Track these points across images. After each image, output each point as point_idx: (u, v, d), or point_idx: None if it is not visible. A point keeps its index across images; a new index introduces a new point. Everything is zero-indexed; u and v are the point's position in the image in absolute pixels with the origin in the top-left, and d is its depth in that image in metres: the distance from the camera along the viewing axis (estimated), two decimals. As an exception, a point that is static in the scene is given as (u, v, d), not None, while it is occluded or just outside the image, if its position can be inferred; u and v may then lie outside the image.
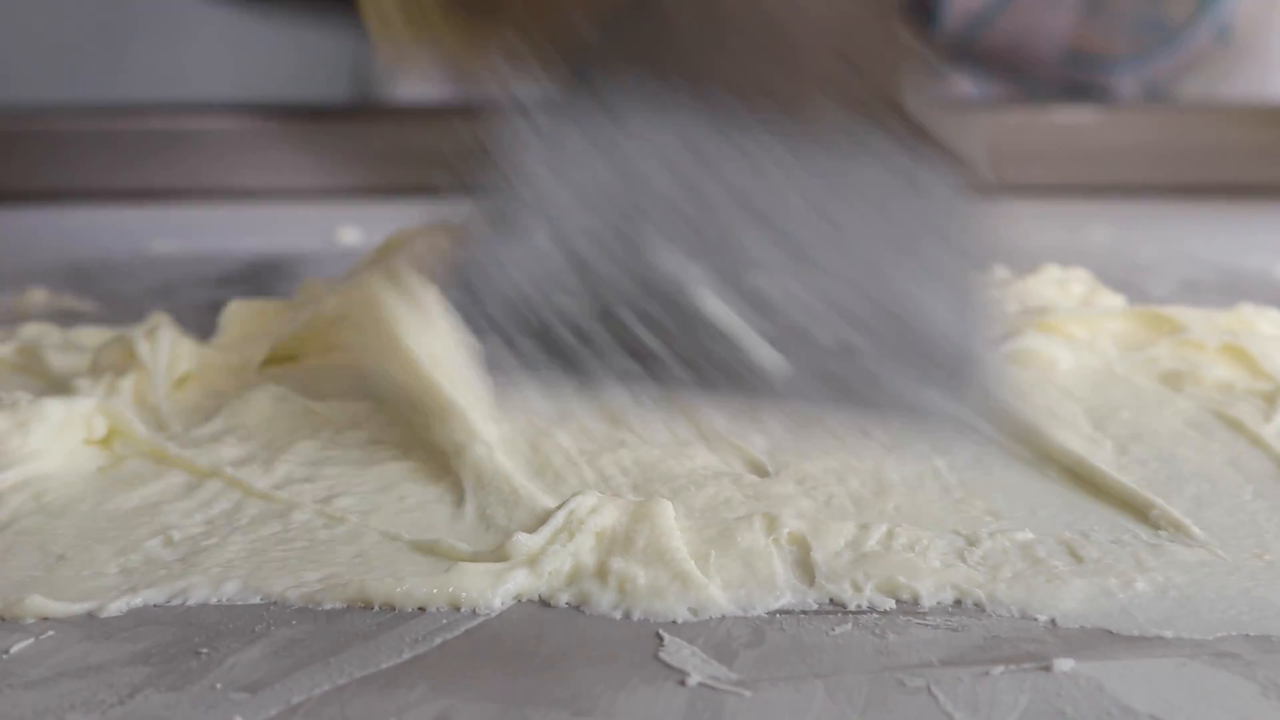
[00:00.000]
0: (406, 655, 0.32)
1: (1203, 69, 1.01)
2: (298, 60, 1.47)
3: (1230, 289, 0.67)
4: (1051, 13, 0.97)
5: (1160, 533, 0.38)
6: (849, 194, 0.44)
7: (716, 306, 0.41)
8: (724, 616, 0.34)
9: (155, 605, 0.34)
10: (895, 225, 0.45)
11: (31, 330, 0.55)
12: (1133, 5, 0.97)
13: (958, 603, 0.34)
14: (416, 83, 1.07)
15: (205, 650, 0.32)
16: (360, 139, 0.92)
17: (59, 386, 0.48)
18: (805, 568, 0.36)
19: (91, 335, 0.54)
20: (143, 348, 0.48)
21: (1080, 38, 0.98)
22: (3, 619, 0.33)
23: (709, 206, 0.43)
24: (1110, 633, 0.33)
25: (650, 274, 0.41)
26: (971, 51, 0.99)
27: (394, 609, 0.34)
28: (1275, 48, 1.02)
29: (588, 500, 0.37)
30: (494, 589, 0.34)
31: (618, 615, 0.34)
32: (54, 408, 0.43)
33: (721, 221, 0.43)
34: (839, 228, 0.44)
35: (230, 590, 0.35)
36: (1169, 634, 0.33)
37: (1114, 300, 0.57)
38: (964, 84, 1.01)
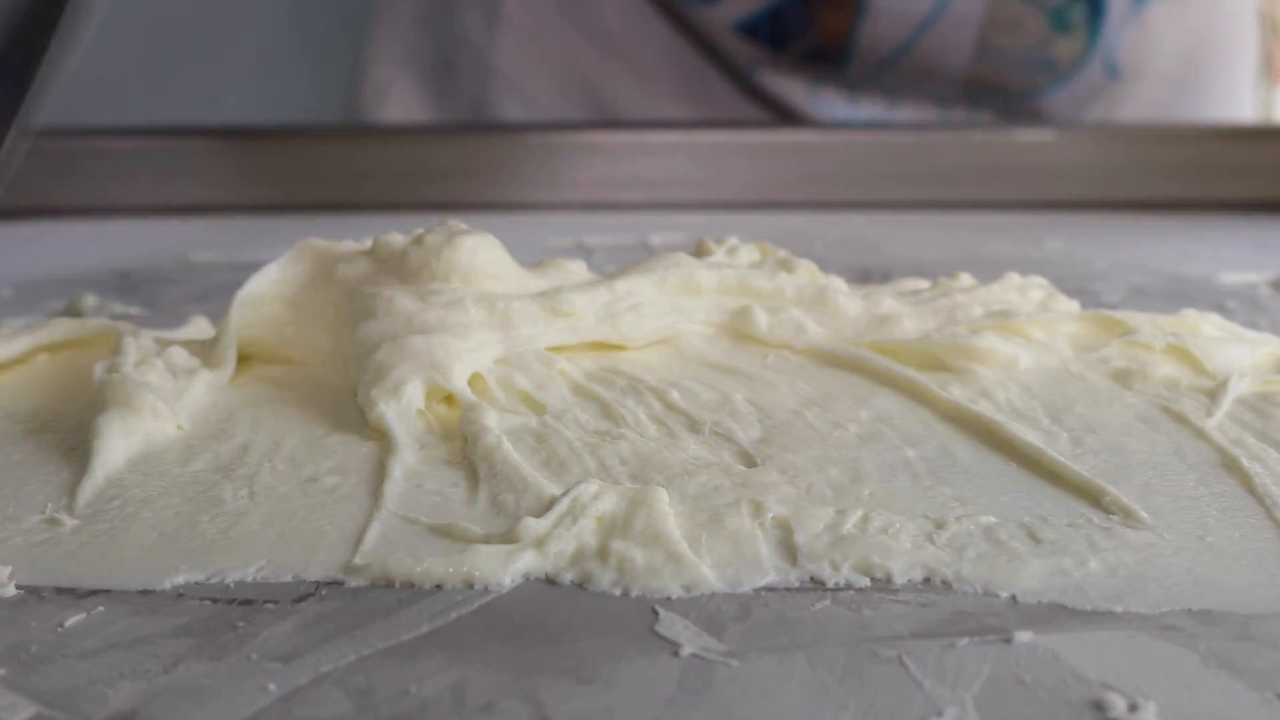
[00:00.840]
0: (425, 629, 0.32)
1: (1098, 101, 1.02)
2: (314, 84, 1.47)
3: (1175, 295, 0.67)
4: (949, 54, 0.97)
5: (1111, 517, 0.38)
6: None
7: None
8: (714, 593, 0.34)
9: (195, 582, 0.34)
10: None
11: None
12: (1022, 47, 0.97)
13: (927, 581, 0.34)
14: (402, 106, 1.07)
15: (242, 624, 0.32)
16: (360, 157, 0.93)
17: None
18: (788, 549, 0.36)
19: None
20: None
21: (975, 73, 0.99)
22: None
23: None
24: (1065, 608, 0.33)
25: None
26: (880, 83, 1.00)
27: (413, 586, 0.34)
28: (1157, 79, 1.03)
29: (590, 488, 0.37)
30: (504, 568, 0.34)
31: (617, 592, 0.34)
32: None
33: None
34: None
35: (263, 569, 0.35)
36: (1119, 609, 0.33)
37: (1069, 305, 0.57)
38: (878, 106, 1.01)
